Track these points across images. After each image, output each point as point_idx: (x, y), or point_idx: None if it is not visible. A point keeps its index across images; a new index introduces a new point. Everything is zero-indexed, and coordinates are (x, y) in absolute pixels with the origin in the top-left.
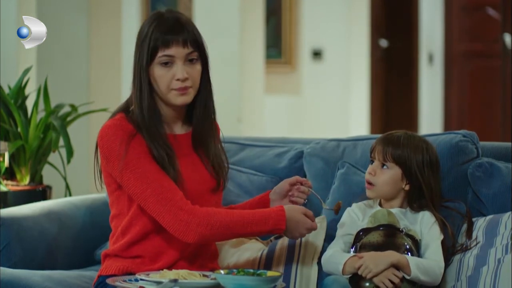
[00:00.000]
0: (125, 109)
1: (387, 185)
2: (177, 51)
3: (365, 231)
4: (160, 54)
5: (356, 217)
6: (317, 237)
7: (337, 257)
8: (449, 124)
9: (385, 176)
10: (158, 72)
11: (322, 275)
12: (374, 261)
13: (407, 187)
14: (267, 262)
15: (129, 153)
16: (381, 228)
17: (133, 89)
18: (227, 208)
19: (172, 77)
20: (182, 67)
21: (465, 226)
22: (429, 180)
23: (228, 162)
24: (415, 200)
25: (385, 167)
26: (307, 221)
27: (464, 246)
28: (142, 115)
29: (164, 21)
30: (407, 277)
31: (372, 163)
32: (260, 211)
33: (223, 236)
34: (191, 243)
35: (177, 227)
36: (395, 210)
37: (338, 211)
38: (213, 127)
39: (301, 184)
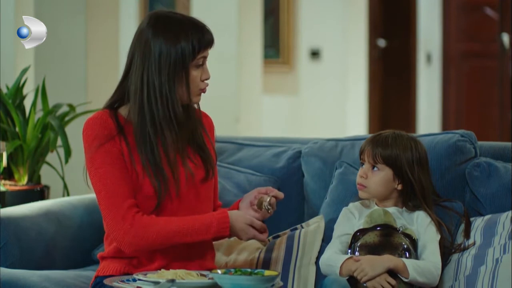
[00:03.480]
0: (111, 106)
1: (380, 187)
2: (208, 52)
3: (362, 231)
4: (199, 55)
5: (352, 216)
6: (315, 237)
7: (334, 259)
8: (447, 123)
9: (376, 178)
10: (194, 73)
11: (319, 275)
12: (371, 265)
13: (399, 187)
14: (265, 262)
15: (98, 150)
16: (377, 228)
17: (151, 90)
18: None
19: (200, 78)
20: (207, 68)
21: (463, 226)
22: (420, 177)
23: (216, 154)
24: (409, 199)
25: (375, 169)
26: (249, 232)
27: (462, 246)
28: (168, 119)
29: (195, 21)
30: (405, 280)
31: (362, 166)
32: (202, 218)
33: (162, 246)
34: (128, 253)
35: (116, 235)
36: (392, 209)
37: (260, 206)
38: (197, 119)
39: (267, 193)
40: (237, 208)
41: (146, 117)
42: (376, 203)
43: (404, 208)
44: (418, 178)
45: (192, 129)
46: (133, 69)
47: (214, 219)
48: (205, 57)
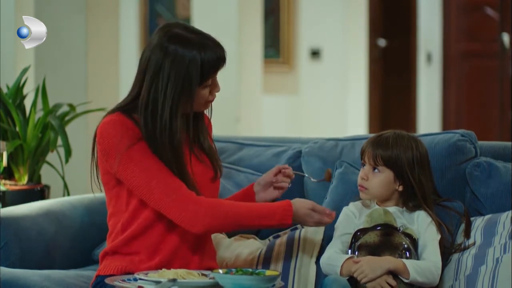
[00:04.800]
0: (123, 110)
1: (381, 188)
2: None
3: (362, 231)
4: (211, 77)
5: (352, 215)
6: (315, 236)
7: (335, 259)
8: (447, 123)
9: (377, 179)
10: (202, 93)
11: (320, 275)
12: (371, 266)
13: (400, 188)
14: (266, 261)
15: (132, 148)
16: (378, 228)
17: (155, 111)
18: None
19: (210, 92)
20: (217, 81)
21: (463, 226)
22: (420, 178)
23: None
24: (410, 199)
25: (376, 170)
26: (314, 216)
27: (462, 245)
28: (171, 137)
29: (211, 43)
30: (406, 281)
31: (363, 167)
32: (267, 205)
33: (230, 227)
34: (197, 234)
35: (184, 218)
36: (392, 209)
37: (329, 178)
38: (205, 121)
39: (283, 170)
40: (252, 192)
41: (147, 133)
42: (376, 203)
43: (404, 208)
44: (418, 178)
45: (199, 132)
46: (145, 84)
47: (277, 206)
48: (215, 73)
